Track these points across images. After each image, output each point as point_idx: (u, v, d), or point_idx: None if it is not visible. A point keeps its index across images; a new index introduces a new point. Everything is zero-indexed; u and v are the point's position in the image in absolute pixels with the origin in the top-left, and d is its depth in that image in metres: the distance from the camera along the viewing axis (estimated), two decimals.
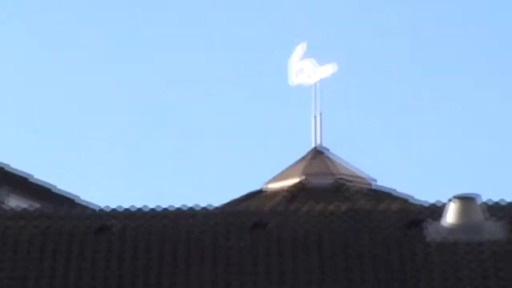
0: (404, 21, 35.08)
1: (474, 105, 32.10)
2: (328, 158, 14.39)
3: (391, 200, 12.80)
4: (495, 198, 12.15)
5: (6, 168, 14.11)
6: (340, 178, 13.83)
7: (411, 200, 13.19)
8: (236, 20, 33.13)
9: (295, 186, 14.05)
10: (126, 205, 13.82)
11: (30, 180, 14.02)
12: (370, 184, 14.12)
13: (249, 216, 12.30)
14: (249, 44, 29.00)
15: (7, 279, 11.96)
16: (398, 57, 32.50)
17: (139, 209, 12.92)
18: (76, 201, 14.64)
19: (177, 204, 12.90)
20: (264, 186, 14.43)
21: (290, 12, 30.28)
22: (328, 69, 13.55)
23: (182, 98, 31.68)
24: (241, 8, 34.77)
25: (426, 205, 12.10)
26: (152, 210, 13.22)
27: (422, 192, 13.69)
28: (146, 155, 34.03)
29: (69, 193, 14.58)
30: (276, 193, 14.17)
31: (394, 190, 13.98)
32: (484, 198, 11.76)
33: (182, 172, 29.47)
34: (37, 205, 13.60)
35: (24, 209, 12.97)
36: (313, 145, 14.48)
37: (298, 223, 12.13)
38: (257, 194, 13.71)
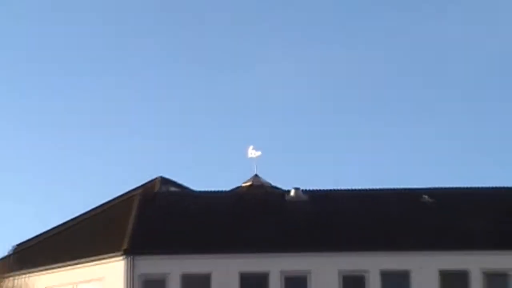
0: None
1: None
2: (260, 178, 38.27)
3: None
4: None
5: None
6: (262, 183, 38.19)
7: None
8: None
9: (251, 184, 38.10)
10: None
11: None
12: (271, 185, 38.07)
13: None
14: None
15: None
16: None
17: None
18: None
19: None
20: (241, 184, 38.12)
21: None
22: (258, 153, 38.28)
23: None
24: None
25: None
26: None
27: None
28: None
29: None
30: (248, 186, 37.88)
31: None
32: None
33: None
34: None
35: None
36: (255, 172, 38.47)
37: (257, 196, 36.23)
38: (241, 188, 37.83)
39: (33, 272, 32.36)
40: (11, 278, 29.31)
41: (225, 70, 64.73)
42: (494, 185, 37.76)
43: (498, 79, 67.39)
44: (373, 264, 32.73)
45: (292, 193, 36.90)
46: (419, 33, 66.77)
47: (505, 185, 37.62)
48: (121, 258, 32.64)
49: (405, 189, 37.27)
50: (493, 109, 64.53)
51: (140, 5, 69.88)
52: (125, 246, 32.74)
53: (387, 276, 32.75)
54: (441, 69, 67.06)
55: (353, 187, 37.84)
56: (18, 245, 36.54)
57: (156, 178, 38.70)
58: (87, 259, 33.50)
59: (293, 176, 57.60)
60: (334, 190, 37.57)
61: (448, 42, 65.40)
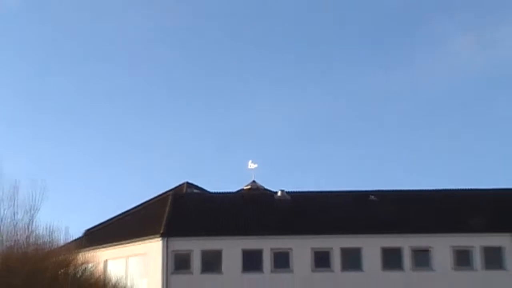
0: None
1: None
2: (257, 183, 41.74)
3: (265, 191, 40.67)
4: None
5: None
6: (258, 186, 41.50)
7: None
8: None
9: (250, 187, 41.46)
10: None
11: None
12: (264, 188, 41.45)
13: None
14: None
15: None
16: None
17: None
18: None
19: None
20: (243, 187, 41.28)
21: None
22: (255, 165, 41.81)
23: None
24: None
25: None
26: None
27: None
28: None
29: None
30: (248, 189, 41.16)
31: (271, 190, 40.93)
32: None
33: None
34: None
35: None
36: (253, 179, 41.88)
37: (254, 196, 39.49)
38: (243, 190, 41.25)
39: (97, 248, 34.29)
40: (82, 253, 28.37)
41: (233, 108, 72.92)
42: (421, 188, 41.05)
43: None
44: (335, 244, 36.05)
45: (279, 193, 40.36)
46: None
47: (432, 188, 41.17)
48: (159, 239, 35.44)
49: (357, 191, 40.45)
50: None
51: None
52: (162, 231, 35.56)
53: (345, 252, 36.07)
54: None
55: (323, 189, 41.60)
56: (87, 229, 39.11)
57: (183, 183, 42.56)
58: (135, 239, 36.28)
59: (279, 182, 62.62)
60: (309, 191, 41.04)
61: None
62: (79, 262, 25.37)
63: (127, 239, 36.89)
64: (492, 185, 45.56)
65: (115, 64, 76.55)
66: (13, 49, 73.34)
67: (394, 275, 35.98)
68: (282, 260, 36.29)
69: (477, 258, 36.47)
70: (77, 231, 35.16)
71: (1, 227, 18.28)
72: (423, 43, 74.41)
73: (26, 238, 20.76)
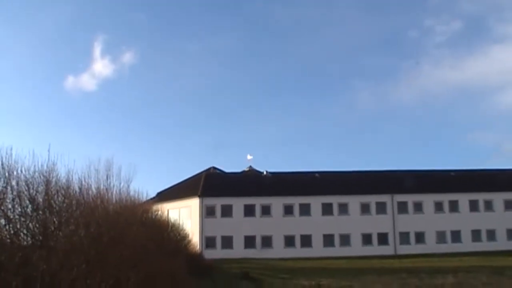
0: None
1: None
2: (252, 167, 45.33)
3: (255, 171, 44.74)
4: None
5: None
6: (253, 169, 45.03)
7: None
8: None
9: (249, 170, 44.85)
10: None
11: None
12: (256, 170, 44.95)
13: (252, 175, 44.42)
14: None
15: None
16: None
17: None
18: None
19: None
20: (245, 169, 45.03)
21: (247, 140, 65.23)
22: (251, 157, 46.33)
23: None
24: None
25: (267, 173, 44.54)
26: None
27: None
28: None
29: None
30: (247, 170, 44.53)
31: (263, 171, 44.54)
32: None
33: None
34: None
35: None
36: (250, 165, 45.68)
37: (251, 175, 43.78)
38: (245, 171, 44.66)
39: (164, 202, 32.97)
40: (155, 205, 26.80)
41: (238, 124, 77.58)
42: (344, 170, 42.97)
43: None
44: (296, 201, 38.99)
45: (264, 173, 43.59)
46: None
47: (350, 170, 42.96)
48: (197, 198, 38.31)
49: (307, 171, 42.85)
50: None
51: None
52: (199, 193, 38.49)
53: (301, 206, 38.95)
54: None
55: (289, 170, 44.41)
56: (158, 192, 41.53)
57: (211, 167, 45.63)
58: (185, 198, 38.87)
59: (265, 166, 66.57)
60: (281, 172, 43.79)
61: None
62: (154, 210, 24.51)
63: (180, 198, 39.38)
64: (383, 168, 49.35)
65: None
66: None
67: (328, 218, 39.25)
68: (266, 210, 39.04)
69: (373, 208, 40.15)
70: (152, 193, 36.47)
71: (113, 192, 18.03)
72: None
73: (126, 197, 17.71)
